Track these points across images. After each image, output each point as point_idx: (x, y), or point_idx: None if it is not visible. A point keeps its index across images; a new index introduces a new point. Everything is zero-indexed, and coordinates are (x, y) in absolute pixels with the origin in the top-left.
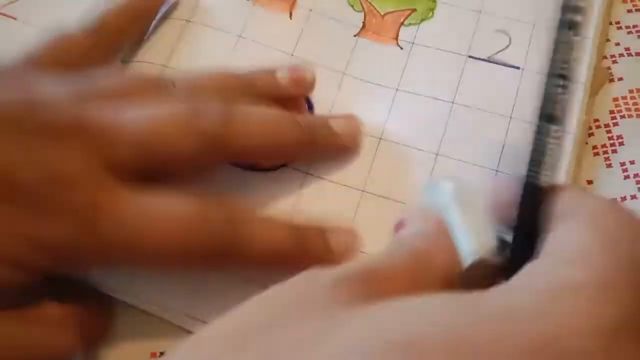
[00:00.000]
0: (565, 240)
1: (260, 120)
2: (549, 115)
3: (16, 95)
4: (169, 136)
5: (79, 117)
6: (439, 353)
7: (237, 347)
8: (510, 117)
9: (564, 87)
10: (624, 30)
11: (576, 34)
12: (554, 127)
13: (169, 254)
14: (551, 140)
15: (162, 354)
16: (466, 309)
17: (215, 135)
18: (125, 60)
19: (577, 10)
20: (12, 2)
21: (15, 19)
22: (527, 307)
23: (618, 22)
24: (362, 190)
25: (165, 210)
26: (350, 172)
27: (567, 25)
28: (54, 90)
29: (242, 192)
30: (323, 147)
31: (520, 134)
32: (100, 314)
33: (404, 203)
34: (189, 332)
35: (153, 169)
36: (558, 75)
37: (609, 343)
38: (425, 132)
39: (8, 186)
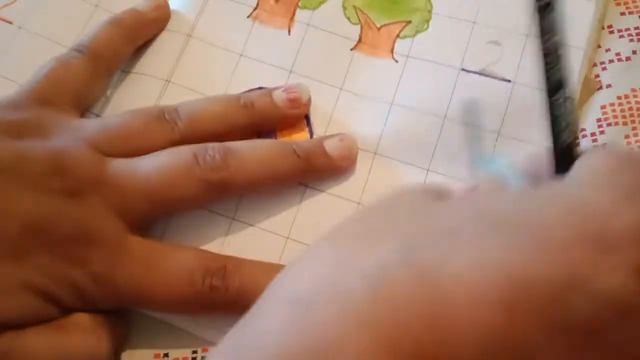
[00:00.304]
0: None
1: (258, 157)
2: (556, 82)
3: (41, 149)
4: (176, 185)
5: (99, 175)
6: (509, 224)
7: (372, 233)
8: (499, 133)
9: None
10: (616, 34)
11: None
12: (561, 92)
13: (174, 304)
14: (562, 104)
15: (166, 355)
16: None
17: (216, 180)
18: (125, 71)
19: None
20: (7, 5)
21: (11, 23)
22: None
23: (610, 26)
24: (358, 203)
25: (171, 265)
26: (347, 186)
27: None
28: (73, 141)
29: (243, 205)
30: (319, 172)
31: (508, 150)
32: (121, 319)
33: None
34: (190, 334)
35: (161, 211)
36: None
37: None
38: (418, 147)
39: (46, 235)
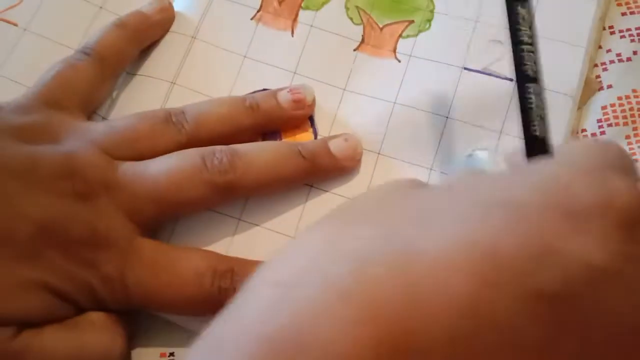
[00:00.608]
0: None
1: (264, 160)
2: (527, 76)
3: (52, 152)
4: (183, 188)
5: (107, 178)
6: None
7: (353, 219)
8: (501, 132)
9: (531, 50)
10: (617, 35)
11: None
12: (532, 85)
13: (182, 306)
14: (533, 97)
15: (171, 354)
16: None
17: (223, 183)
18: (131, 73)
19: None
20: (12, 7)
21: (16, 25)
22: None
23: (611, 27)
24: None
25: (180, 266)
26: (352, 186)
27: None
28: (82, 144)
29: (249, 206)
30: (324, 173)
31: (511, 149)
32: (129, 316)
33: None
34: (196, 334)
35: (169, 214)
36: (523, 42)
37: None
38: (420, 146)
39: (58, 237)
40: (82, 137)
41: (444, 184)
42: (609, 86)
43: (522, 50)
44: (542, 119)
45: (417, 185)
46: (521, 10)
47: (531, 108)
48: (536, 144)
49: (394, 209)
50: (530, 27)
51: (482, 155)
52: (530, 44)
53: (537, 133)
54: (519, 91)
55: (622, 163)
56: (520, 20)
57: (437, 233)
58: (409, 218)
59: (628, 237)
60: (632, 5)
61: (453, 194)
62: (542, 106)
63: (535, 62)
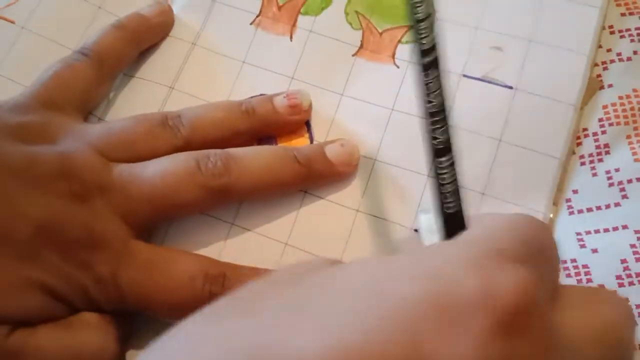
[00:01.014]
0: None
1: (259, 164)
2: (438, 149)
3: (49, 153)
4: (178, 191)
5: (103, 179)
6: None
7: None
8: (500, 140)
9: (441, 126)
10: (617, 35)
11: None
12: (442, 160)
13: (174, 309)
14: (445, 171)
15: None
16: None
17: (218, 186)
18: (128, 75)
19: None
20: (10, 5)
21: (13, 22)
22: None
23: (611, 27)
24: (357, 210)
25: (173, 269)
26: (347, 192)
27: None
28: (79, 146)
29: (242, 210)
30: (320, 178)
31: (509, 157)
32: (124, 317)
33: (396, 223)
34: None
35: (164, 216)
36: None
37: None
38: (418, 153)
39: (55, 237)
40: (79, 138)
41: (342, 267)
42: (610, 85)
43: (433, 122)
44: (456, 192)
45: (324, 265)
46: (429, 79)
47: (443, 184)
48: (449, 220)
49: (279, 296)
50: (441, 94)
51: (422, 219)
52: (441, 112)
53: (451, 209)
54: (433, 166)
55: (532, 247)
56: (429, 90)
57: (309, 329)
58: (290, 306)
59: (505, 340)
60: (631, 5)
61: (344, 280)
62: (455, 179)
63: (447, 131)
